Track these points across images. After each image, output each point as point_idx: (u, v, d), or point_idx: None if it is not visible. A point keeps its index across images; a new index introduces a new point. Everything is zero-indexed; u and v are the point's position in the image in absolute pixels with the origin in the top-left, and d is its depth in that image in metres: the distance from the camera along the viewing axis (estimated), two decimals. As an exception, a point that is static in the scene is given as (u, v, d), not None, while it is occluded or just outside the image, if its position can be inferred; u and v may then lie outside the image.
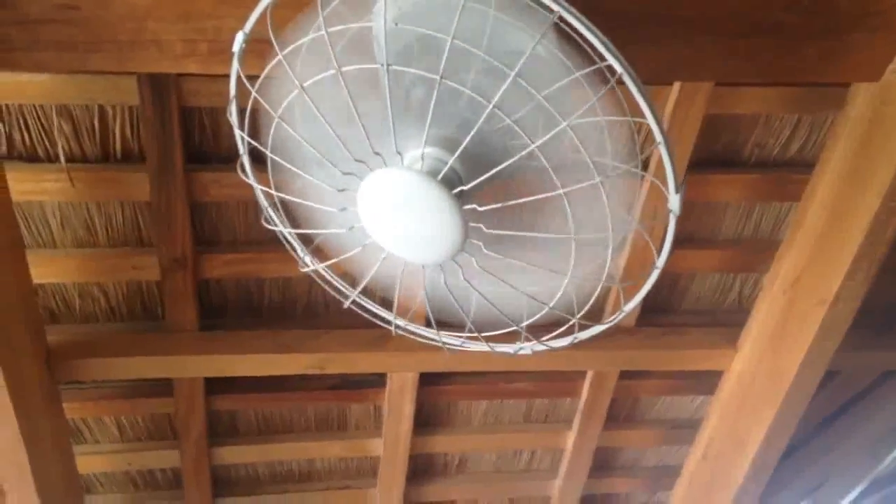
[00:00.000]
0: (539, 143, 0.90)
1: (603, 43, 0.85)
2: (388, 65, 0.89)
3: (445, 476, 2.53)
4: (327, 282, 1.20)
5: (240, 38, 0.97)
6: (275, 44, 0.93)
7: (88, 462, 2.17)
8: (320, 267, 1.18)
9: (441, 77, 0.88)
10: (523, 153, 0.92)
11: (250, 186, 1.14)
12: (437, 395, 2.23)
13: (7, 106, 1.51)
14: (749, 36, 1.36)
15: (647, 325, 2.06)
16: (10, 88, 1.46)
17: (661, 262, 1.06)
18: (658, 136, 0.90)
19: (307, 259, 1.18)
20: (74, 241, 1.74)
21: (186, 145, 1.60)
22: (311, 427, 2.29)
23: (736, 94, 1.66)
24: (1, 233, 1.50)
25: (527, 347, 1.17)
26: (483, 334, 1.17)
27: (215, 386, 2.07)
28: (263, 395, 2.14)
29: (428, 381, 2.15)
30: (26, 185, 1.59)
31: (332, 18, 0.95)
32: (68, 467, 1.99)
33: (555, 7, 0.85)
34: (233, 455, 2.27)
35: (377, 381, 2.13)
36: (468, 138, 0.93)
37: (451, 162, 0.97)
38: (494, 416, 2.37)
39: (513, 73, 0.87)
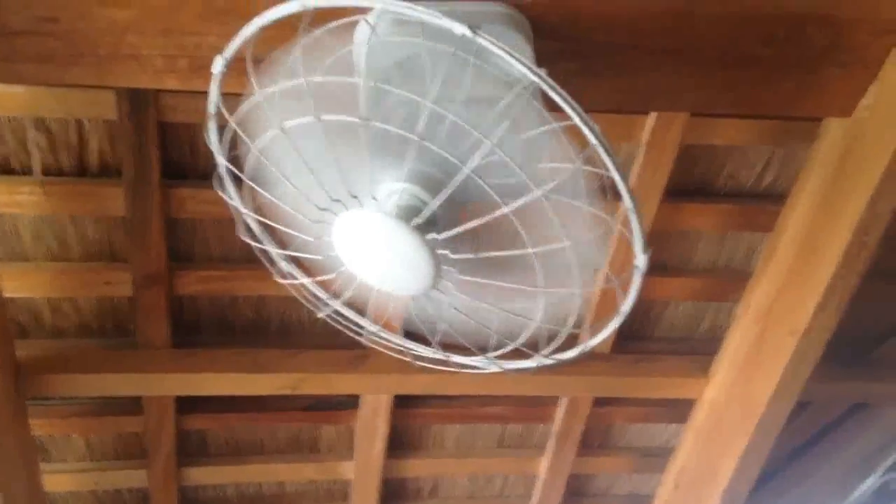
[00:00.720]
0: (511, 208, 0.91)
1: (579, 115, 0.86)
2: (368, 120, 0.89)
3: (418, 501, 2.51)
4: (302, 294, 1.20)
5: (219, 62, 0.97)
6: (254, 83, 0.93)
7: (55, 480, 2.13)
8: (297, 282, 1.18)
9: (420, 138, 0.89)
10: (496, 214, 0.92)
11: (226, 203, 1.14)
12: (410, 417, 2.22)
13: (-18, 117, 1.50)
14: (726, 68, 1.38)
15: (622, 353, 2.06)
16: (-13, 99, 1.45)
17: (625, 308, 1.07)
18: (628, 203, 0.91)
19: (283, 270, 1.18)
20: (47, 255, 1.72)
21: (164, 160, 1.59)
22: (282, 448, 2.27)
23: (711, 125, 1.68)
24: (-28, 244, 1.48)
25: (495, 364, 1.17)
26: (469, 352, 1.17)
27: (186, 405, 2.05)
28: (234, 414, 2.12)
29: (402, 403, 2.14)
30: None
31: (314, 45, 0.95)
32: (34, 485, 1.95)
33: (532, 77, 0.86)
34: (202, 476, 2.24)
35: (350, 402, 2.12)
36: (438, 200, 0.94)
37: (431, 205, 0.97)
38: (468, 441, 2.36)
39: (491, 143, 0.88)
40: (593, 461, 2.42)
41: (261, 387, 1.94)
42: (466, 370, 1.21)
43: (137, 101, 1.47)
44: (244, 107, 0.97)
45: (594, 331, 1.11)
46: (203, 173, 1.64)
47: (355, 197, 0.97)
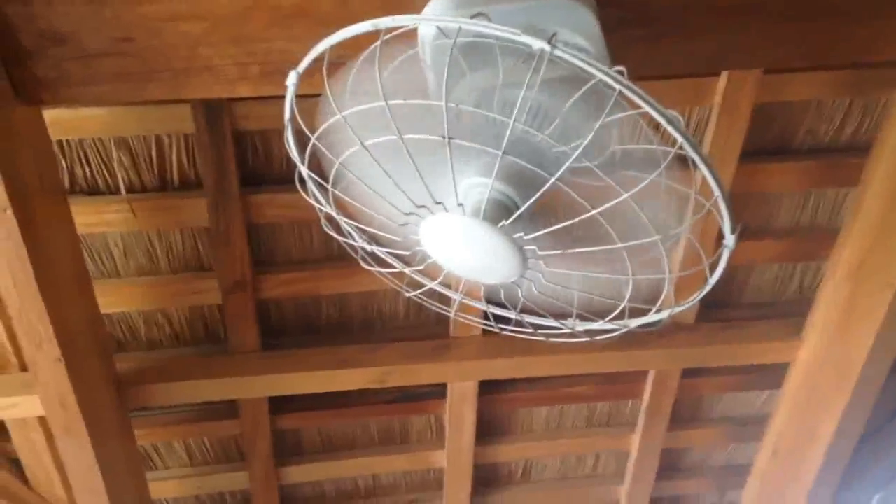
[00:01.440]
0: (597, 210, 0.91)
1: (661, 113, 0.84)
2: (450, 138, 0.89)
3: (511, 485, 2.52)
4: (390, 278, 1.22)
5: (293, 76, 0.98)
6: (333, 103, 0.94)
7: (160, 487, 2.21)
8: (385, 271, 1.19)
9: (503, 152, 0.90)
10: (583, 216, 0.92)
11: (304, 206, 1.15)
12: (497, 403, 2.23)
13: (68, 141, 1.56)
14: (796, 20, 1.34)
15: (708, 321, 2.03)
16: (71, 124, 1.51)
17: (713, 279, 1.05)
18: (716, 191, 0.90)
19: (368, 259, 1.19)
20: (137, 270, 1.79)
21: (241, 168, 1.63)
22: (374, 442, 2.30)
23: (785, 81, 1.64)
24: (68, 266, 1.54)
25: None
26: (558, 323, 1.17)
27: (279, 405, 2.09)
28: (325, 412, 2.16)
29: (488, 389, 2.15)
30: (89, 218, 1.64)
31: (383, 49, 0.95)
32: (142, 493, 2.03)
33: (614, 84, 0.85)
34: (299, 474, 2.29)
35: (437, 392, 2.14)
36: (526, 204, 0.95)
37: (519, 210, 0.97)
38: (556, 422, 2.36)
39: (575, 152, 0.87)
40: (686, 434, 2.39)
41: (348, 382, 1.97)
42: (555, 338, 1.20)
43: (212, 113, 1.51)
44: (322, 124, 0.98)
45: (679, 298, 1.09)
46: (278, 178, 1.67)
47: (440, 203, 0.98)
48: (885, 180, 1.60)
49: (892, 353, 1.82)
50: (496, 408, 2.26)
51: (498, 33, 0.85)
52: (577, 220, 0.94)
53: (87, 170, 1.61)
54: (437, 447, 2.30)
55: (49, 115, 1.40)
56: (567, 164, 0.89)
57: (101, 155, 1.58)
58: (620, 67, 0.89)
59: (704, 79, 1.61)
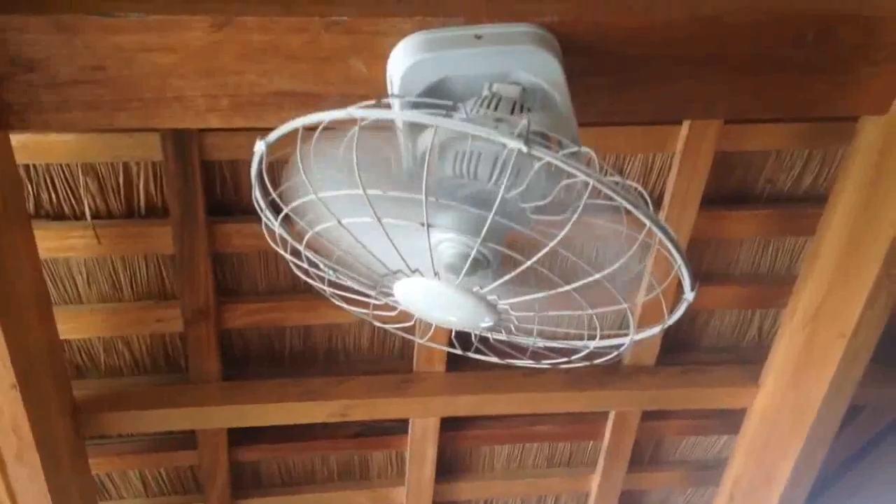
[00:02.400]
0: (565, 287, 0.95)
1: (635, 206, 0.89)
2: (429, 225, 0.92)
3: (471, 524, 2.50)
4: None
5: (261, 145, 1.00)
6: (308, 185, 0.96)
7: (113, 518, 2.17)
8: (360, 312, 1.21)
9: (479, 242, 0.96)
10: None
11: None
12: (459, 440, 2.23)
13: (35, 166, 1.55)
14: (757, 73, 1.38)
15: (668, 364, 2.05)
16: (38, 149, 1.51)
17: (670, 320, 1.09)
18: (678, 261, 0.96)
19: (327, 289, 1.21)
20: (100, 297, 1.77)
21: (208, 198, 1.63)
22: (333, 476, 2.29)
23: (746, 131, 1.68)
24: (28, 291, 1.52)
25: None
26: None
27: (238, 437, 2.07)
28: (286, 444, 2.15)
29: (450, 426, 2.15)
30: (53, 243, 1.63)
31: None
32: (95, 523, 1.99)
33: (596, 184, 0.88)
34: (257, 507, 2.27)
35: (399, 427, 2.13)
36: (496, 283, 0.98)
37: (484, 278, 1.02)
38: (517, 461, 2.36)
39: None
40: (646, 476, 2.40)
41: (310, 415, 1.96)
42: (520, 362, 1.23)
43: (181, 142, 1.52)
44: (297, 200, 1.01)
45: (640, 330, 1.12)
46: (246, 208, 1.67)
47: (416, 270, 1.02)
48: (840, 231, 1.64)
49: (846, 401, 1.86)
50: (458, 445, 2.26)
51: (475, 132, 0.89)
52: (535, 258, 0.96)
53: (53, 195, 1.60)
54: (398, 483, 2.29)
55: (16, 139, 1.40)
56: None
57: (67, 180, 1.58)
58: (588, 150, 0.94)
59: (668, 126, 1.65)
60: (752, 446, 2.07)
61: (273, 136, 0.98)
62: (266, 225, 1.13)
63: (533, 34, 1.20)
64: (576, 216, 0.90)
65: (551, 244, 0.93)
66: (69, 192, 1.60)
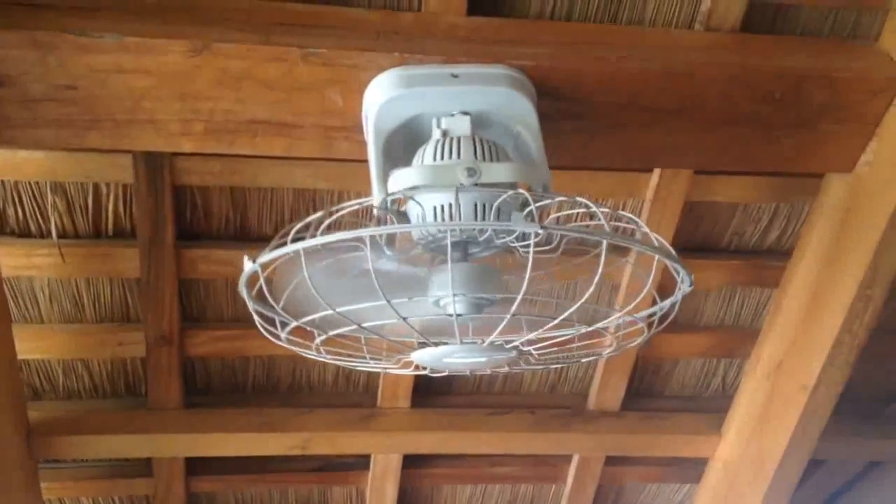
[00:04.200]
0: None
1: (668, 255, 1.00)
2: (405, 318, 0.94)
3: (429, 565, 2.47)
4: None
5: (250, 266, 0.98)
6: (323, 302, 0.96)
7: (62, 545, 2.11)
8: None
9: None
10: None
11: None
12: (420, 478, 2.20)
13: (2, 182, 1.54)
14: (726, 126, 1.41)
15: (633, 409, 2.05)
16: (7, 165, 1.49)
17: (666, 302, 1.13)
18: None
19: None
20: (62, 317, 1.75)
21: (178, 222, 1.62)
22: (292, 511, 2.25)
23: (715, 182, 1.71)
24: (-12, 307, 1.51)
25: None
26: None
27: (196, 467, 2.04)
28: (244, 476, 2.11)
29: (412, 463, 2.13)
30: (17, 260, 1.61)
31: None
32: (42, 550, 1.94)
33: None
34: (211, 540, 2.22)
35: (360, 463, 2.11)
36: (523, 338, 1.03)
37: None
38: (479, 502, 2.33)
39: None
40: (607, 523, 2.39)
41: (270, 447, 1.94)
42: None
43: (153, 165, 1.51)
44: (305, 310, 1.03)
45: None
46: (216, 234, 1.67)
47: (441, 342, 1.03)
48: (804, 284, 1.66)
49: (807, 454, 1.87)
50: (419, 483, 2.23)
51: (491, 227, 0.99)
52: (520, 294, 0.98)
53: (20, 211, 1.58)
54: (357, 520, 2.25)
55: (-16, 154, 1.39)
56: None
57: (35, 198, 1.56)
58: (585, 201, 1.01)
59: (638, 173, 1.67)
60: (713, 496, 2.07)
61: (265, 257, 0.95)
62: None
63: (509, 76, 1.22)
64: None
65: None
66: (36, 209, 1.58)
